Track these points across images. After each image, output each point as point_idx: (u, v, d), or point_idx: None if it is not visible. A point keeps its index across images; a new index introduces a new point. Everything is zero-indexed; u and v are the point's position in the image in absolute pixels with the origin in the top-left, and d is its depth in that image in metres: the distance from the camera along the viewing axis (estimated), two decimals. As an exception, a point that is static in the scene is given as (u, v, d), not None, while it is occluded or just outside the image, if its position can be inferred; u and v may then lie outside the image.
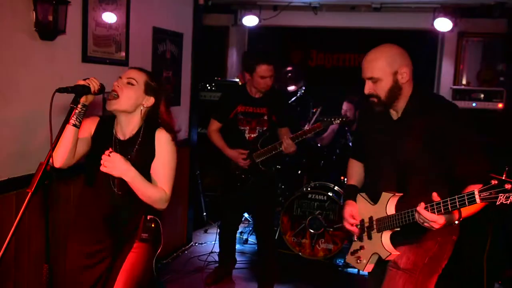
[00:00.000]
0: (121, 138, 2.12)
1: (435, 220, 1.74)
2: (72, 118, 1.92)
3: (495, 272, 3.41)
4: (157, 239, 2.13)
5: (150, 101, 2.10)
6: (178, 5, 4.07)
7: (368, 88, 1.99)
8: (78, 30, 2.84)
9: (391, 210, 2.00)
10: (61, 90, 1.77)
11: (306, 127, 3.23)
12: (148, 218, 2.06)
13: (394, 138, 2.03)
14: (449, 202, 1.69)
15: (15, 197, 2.47)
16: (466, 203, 1.62)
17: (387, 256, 2.02)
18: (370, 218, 2.11)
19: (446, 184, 1.97)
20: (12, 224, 1.60)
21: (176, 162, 2.14)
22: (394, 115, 2.06)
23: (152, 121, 2.13)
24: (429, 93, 2.14)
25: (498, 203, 1.49)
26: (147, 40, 3.63)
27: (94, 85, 1.90)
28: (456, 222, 1.78)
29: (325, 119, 3.25)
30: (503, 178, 1.50)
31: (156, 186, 2.06)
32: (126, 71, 2.15)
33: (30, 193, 1.63)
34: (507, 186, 1.47)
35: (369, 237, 2.12)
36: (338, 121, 3.26)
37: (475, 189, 1.60)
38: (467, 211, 1.76)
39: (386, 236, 2.03)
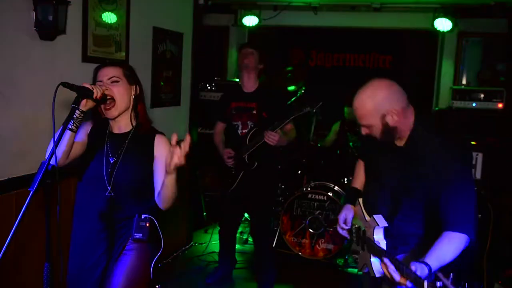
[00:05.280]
0: (115, 132, 2.12)
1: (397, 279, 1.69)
2: (69, 122, 1.91)
3: (495, 272, 3.41)
4: (155, 240, 2.07)
5: (137, 88, 2.12)
6: (178, 5, 4.07)
7: (364, 131, 1.99)
8: (78, 30, 2.84)
9: (378, 237, 1.98)
10: (65, 84, 1.77)
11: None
12: (142, 217, 1.99)
13: (394, 163, 2.01)
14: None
15: (15, 197, 2.47)
16: None
17: (373, 275, 2.00)
18: (364, 232, 2.11)
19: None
20: (12, 224, 1.59)
21: None
22: (399, 142, 2.01)
23: (141, 117, 2.13)
24: (432, 123, 2.05)
25: None
26: (147, 40, 3.63)
27: (97, 91, 1.89)
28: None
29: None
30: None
31: None
32: (100, 72, 2.07)
33: (31, 192, 1.63)
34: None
35: (362, 248, 2.12)
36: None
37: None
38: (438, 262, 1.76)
39: (375, 258, 1.99)
